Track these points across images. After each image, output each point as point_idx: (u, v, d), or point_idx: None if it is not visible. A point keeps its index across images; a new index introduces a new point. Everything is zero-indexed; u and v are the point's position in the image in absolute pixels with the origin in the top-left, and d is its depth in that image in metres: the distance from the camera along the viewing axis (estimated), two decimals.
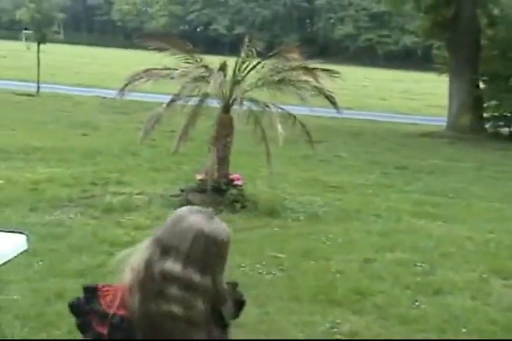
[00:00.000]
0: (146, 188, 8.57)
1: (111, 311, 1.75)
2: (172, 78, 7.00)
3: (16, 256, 2.77)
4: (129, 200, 7.59)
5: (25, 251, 2.95)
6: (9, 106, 20.19)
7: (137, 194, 8.04)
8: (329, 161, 13.18)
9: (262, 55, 7.81)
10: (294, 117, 7.74)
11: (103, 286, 1.85)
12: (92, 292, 1.83)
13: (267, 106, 7.29)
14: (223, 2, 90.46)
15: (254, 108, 7.51)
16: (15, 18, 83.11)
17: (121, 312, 1.75)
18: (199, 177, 7.66)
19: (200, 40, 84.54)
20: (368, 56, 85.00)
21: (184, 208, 1.89)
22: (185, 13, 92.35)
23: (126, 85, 7.23)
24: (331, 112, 8.07)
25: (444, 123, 20.64)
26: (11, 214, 6.70)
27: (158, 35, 8.34)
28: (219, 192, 7.41)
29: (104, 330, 1.77)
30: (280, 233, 6.80)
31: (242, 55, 7.35)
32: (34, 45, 24.12)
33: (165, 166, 10.86)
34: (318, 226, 7.20)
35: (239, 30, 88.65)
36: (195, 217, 1.82)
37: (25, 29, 58.59)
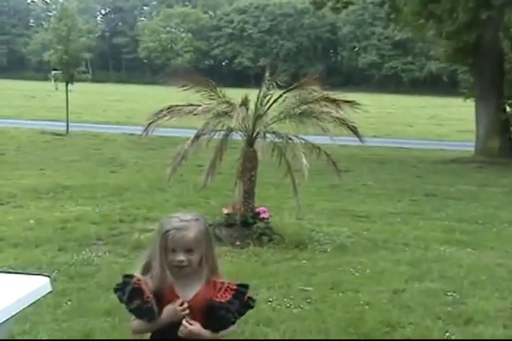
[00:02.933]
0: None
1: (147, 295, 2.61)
2: (195, 115, 7.09)
3: (40, 299, 2.79)
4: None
5: (49, 292, 2.97)
6: (39, 145, 20.56)
7: None
8: (356, 190, 13.13)
9: (285, 87, 7.89)
10: (319, 148, 7.76)
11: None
12: (128, 277, 2.70)
13: (290, 138, 7.34)
14: (247, 36, 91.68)
15: (278, 140, 7.55)
16: (43, 59, 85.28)
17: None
18: (226, 211, 7.69)
19: (226, 74, 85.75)
20: (393, 83, 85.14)
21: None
22: (209, 48, 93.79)
23: (150, 124, 7.34)
24: (357, 141, 8.07)
25: (473, 149, 20.49)
26: (40, 255, 6.77)
27: (181, 74, 8.45)
28: (246, 226, 7.43)
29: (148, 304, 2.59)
30: (307, 265, 6.76)
31: (264, 88, 7.44)
32: (62, 85, 24.64)
33: (192, 201, 10.91)
34: (345, 257, 7.14)
35: (264, 62, 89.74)
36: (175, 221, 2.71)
37: (54, 70, 59.96)
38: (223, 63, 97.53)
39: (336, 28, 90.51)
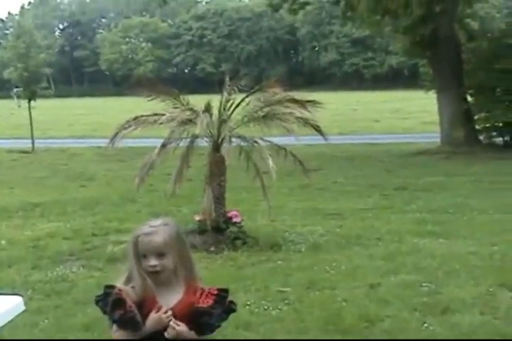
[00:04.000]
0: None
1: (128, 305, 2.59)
2: (160, 124, 7.08)
3: (13, 319, 2.78)
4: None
5: (23, 311, 2.96)
6: (5, 164, 20.34)
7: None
8: (327, 188, 13.21)
9: (247, 92, 7.92)
10: (285, 149, 7.80)
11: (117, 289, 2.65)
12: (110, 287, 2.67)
13: (255, 141, 7.38)
14: (207, 42, 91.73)
15: (244, 144, 7.58)
16: (4, 77, 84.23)
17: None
18: (197, 218, 7.69)
19: (189, 80, 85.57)
20: (356, 80, 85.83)
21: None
22: (171, 56, 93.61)
23: (116, 134, 7.32)
24: (323, 140, 8.13)
25: (439, 140, 20.73)
26: (13, 274, 6.70)
27: (144, 84, 8.44)
28: (219, 231, 7.44)
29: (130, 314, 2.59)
30: (283, 266, 6.79)
31: (225, 93, 7.46)
32: (25, 103, 24.40)
33: (164, 210, 10.87)
34: (320, 255, 7.18)
35: (226, 67, 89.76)
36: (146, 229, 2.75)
37: (16, 87, 59.37)
38: (186, 70, 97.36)
39: (295, 29, 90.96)
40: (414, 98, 44.20)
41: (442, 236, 8.22)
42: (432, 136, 22.09)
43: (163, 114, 7.31)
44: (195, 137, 7.29)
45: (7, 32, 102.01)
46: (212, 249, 7.20)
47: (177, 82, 69.79)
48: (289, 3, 22.67)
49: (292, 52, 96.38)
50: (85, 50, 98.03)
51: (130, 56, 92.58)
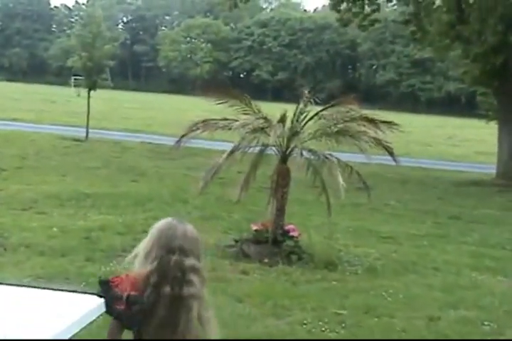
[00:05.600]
0: (221, 237, 8.51)
1: (125, 293, 2.52)
2: (230, 129, 7.01)
3: (93, 321, 2.69)
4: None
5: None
6: (59, 151, 20.53)
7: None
8: (379, 210, 12.99)
9: (321, 105, 7.80)
10: (351, 167, 7.66)
11: (112, 278, 2.63)
12: (106, 284, 2.60)
13: (326, 157, 7.24)
14: (266, 49, 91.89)
15: (312, 157, 7.45)
16: (64, 64, 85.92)
17: (134, 293, 2.52)
18: (255, 227, 7.58)
19: (243, 86, 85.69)
20: (410, 102, 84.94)
21: (166, 221, 2.75)
22: (229, 59, 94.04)
23: (183, 136, 7.27)
24: (377, 159, 7.97)
25: (493, 171, 20.28)
26: (67, 264, 6.68)
27: (217, 87, 8.38)
28: (275, 244, 7.31)
29: (122, 306, 2.51)
30: (339, 287, 6.63)
31: (301, 105, 7.34)
32: (84, 91, 24.68)
33: (215, 214, 10.82)
34: (377, 280, 7.00)
35: (282, 76, 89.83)
36: (182, 226, 2.72)
37: (74, 75, 60.41)
38: (241, 75, 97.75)
39: (356, 44, 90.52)
40: (470, 126, 43.53)
41: (500, 273, 7.96)
42: (485, 167, 21.62)
43: (234, 119, 7.22)
44: (265, 146, 7.18)
45: (72, 20, 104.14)
46: (266, 260, 7.07)
47: (231, 86, 70.05)
48: (360, 19, 22.49)
49: (350, 67, 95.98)
50: (145, 46, 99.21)
51: (189, 55, 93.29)
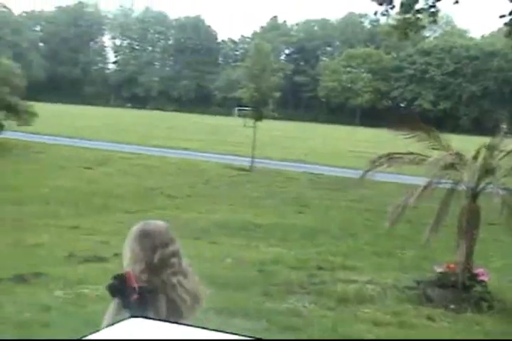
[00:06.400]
0: (375, 276, 8.12)
1: (135, 285, 2.87)
2: (416, 164, 6.64)
3: None
4: (362, 290, 7.19)
5: None
6: (225, 180, 21.01)
7: (367, 283, 7.63)
8: None
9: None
10: None
11: (123, 273, 2.96)
12: (121, 277, 2.92)
13: None
14: (429, 78, 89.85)
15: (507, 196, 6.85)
16: (228, 95, 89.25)
17: (138, 284, 2.88)
18: (439, 269, 7.09)
19: (403, 115, 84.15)
20: None
21: (137, 227, 3.07)
22: (389, 88, 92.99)
23: (367, 171, 6.99)
24: None
25: None
26: (245, 298, 6.59)
27: (404, 119, 8.06)
28: (463, 289, 6.77)
29: (135, 296, 2.85)
30: None
31: (497, 139, 6.82)
32: (249, 121, 25.19)
33: (388, 251, 10.38)
34: None
35: (444, 105, 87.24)
36: (152, 226, 3.07)
37: (238, 106, 62.64)
38: (401, 104, 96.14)
39: None
40: None
41: None
42: None
43: (420, 154, 6.84)
44: (456, 183, 6.73)
45: (237, 53, 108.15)
46: (452, 306, 6.56)
47: (391, 115, 68.90)
48: None
49: None
50: (306, 76, 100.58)
51: (349, 85, 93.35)
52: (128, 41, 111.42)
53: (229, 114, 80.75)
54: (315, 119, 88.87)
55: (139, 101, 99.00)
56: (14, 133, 28.65)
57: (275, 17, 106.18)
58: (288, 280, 7.50)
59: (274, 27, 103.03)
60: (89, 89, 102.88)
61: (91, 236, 10.23)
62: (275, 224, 12.62)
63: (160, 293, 2.98)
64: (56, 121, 38.67)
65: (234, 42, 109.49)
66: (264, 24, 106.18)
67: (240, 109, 57.26)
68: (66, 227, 11.08)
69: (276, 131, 51.00)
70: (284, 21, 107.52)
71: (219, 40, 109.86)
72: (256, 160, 24.56)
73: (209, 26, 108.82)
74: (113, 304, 2.99)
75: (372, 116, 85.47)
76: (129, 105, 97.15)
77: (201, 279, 7.24)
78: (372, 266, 8.95)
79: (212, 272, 7.73)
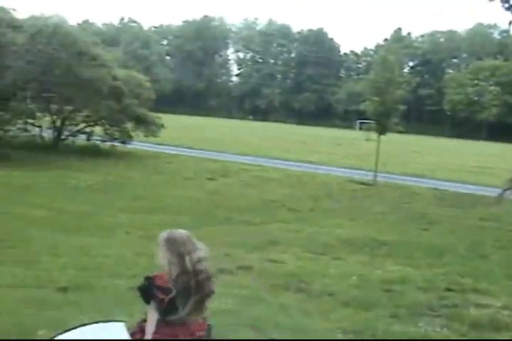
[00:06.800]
0: (509, 301, 7.67)
1: (166, 285, 3.55)
2: None
3: None
4: (496, 316, 6.79)
5: None
6: (347, 194, 20.75)
7: (502, 308, 7.20)
8: None
9: None
10: None
11: (154, 275, 3.67)
12: (150, 278, 3.64)
13: None
14: None
15: None
16: (349, 108, 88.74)
17: (168, 285, 3.55)
18: None
19: None
20: None
21: (165, 235, 3.77)
22: None
23: (507, 190, 6.62)
24: None
25: None
26: (373, 320, 6.39)
27: None
28: None
29: (163, 296, 3.53)
30: None
31: None
32: (372, 135, 24.77)
33: None
34: None
35: None
36: (177, 234, 3.76)
37: (360, 119, 62.08)
38: None
39: None
40: None
41: None
42: None
43: None
44: None
45: (359, 66, 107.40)
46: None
47: None
48: None
49: None
50: (430, 89, 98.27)
51: (475, 99, 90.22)
52: (251, 54, 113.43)
53: (349, 126, 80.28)
54: (439, 133, 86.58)
55: (261, 114, 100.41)
56: (140, 144, 29.83)
57: (399, 29, 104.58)
58: (416, 302, 7.22)
59: (398, 39, 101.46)
60: (212, 102, 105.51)
61: (214, 248, 10.34)
62: (399, 241, 12.27)
63: (192, 294, 3.56)
64: (180, 133, 39.87)
65: (356, 54, 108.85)
66: (388, 36, 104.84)
67: (361, 122, 56.71)
68: None
69: (400, 144, 50.04)
70: (409, 33, 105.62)
71: (341, 52, 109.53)
72: (378, 174, 24.10)
73: (332, 39, 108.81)
74: (150, 308, 3.56)
75: (499, 131, 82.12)
76: (251, 117, 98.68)
77: (326, 296, 7.11)
78: (506, 289, 8.46)
79: (337, 289, 7.60)
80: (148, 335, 3.49)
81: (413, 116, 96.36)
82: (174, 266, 3.62)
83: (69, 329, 3.48)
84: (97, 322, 3.57)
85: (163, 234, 3.76)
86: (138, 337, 3.55)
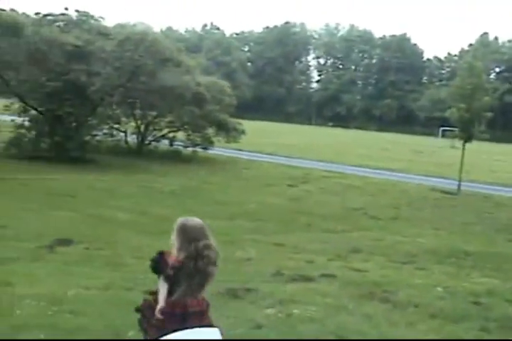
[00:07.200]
0: None
1: (174, 263, 3.99)
2: None
3: None
4: None
5: None
6: (429, 202, 20.36)
7: None
8: None
9: None
10: None
11: (166, 251, 4.12)
12: (161, 253, 4.14)
13: None
14: None
15: None
16: (431, 115, 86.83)
17: (177, 263, 3.99)
18: None
19: None
20: None
21: (181, 221, 4.13)
22: None
23: None
24: None
25: None
26: (462, 333, 6.18)
27: None
28: None
29: (171, 271, 3.98)
30: None
31: None
32: (457, 142, 24.19)
33: None
34: None
35: None
36: (191, 222, 4.12)
37: (442, 126, 60.64)
38: None
39: None
40: None
41: None
42: None
43: None
44: None
45: (443, 72, 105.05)
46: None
47: None
48: None
49: None
50: None
51: None
52: (332, 60, 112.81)
53: (431, 134, 78.57)
54: None
55: (340, 120, 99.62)
56: (221, 149, 30.15)
57: (486, 33, 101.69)
58: (506, 315, 6.97)
59: (484, 44, 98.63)
60: (292, 108, 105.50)
61: (296, 255, 10.33)
62: (486, 252, 11.93)
63: (194, 275, 3.93)
64: (259, 139, 40.08)
65: (440, 60, 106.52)
66: (473, 41, 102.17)
67: (444, 129, 55.44)
68: (272, 244, 11.31)
69: (485, 153, 48.62)
70: (495, 38, 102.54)
71: (424, 58, 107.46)
72: (462, 183, 23.51)
73: (415, 44, 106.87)
74: (160, 280, 3.99)
75: None
76: (331, 124, 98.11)
77: (412, 307, 6.94)
78: None
79: (422, 301, 7.43)
80: (161, 302, 3.95)
81: (498, 124, 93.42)
82: (182, 250, 4.00)
83: (164, 334, 3.61)
84: (192, 327, 3.66)
85: (180, 220, 4.13)
86: (154, 305, 4.01)
